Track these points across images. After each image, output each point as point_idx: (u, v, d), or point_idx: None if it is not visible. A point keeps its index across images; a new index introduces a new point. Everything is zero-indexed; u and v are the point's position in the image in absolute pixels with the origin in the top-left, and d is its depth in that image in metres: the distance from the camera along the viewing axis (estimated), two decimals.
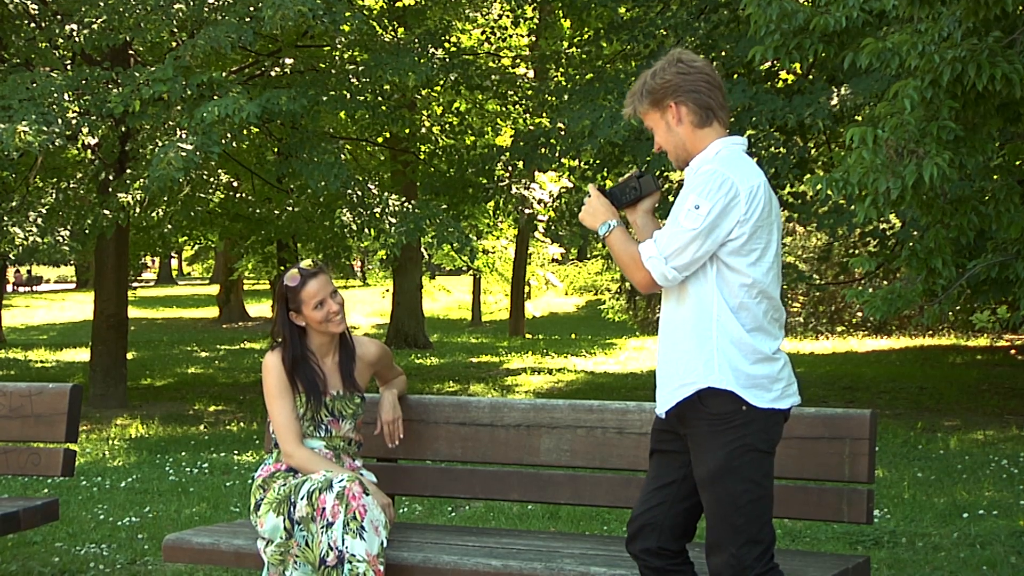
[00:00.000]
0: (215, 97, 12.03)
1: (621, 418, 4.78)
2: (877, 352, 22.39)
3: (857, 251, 21.82)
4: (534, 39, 23.04)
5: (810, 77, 13.88)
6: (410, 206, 14.66)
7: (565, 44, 20.49)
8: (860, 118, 12.57)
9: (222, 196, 18.33)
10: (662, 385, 4.02)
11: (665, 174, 15.13)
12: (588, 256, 36.30)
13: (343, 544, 4.50)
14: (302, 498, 4.61)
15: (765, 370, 3.89)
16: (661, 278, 3.90)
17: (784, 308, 4.09)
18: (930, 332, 25.17)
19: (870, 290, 9.93)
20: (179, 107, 12.42)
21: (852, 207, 9.46)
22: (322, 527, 4.54)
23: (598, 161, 15.35)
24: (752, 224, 3.85)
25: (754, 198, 3.86)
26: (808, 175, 13.25)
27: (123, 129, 13.40)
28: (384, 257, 24.63)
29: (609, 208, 4.11)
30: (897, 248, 14.59)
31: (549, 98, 16.96)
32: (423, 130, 19.66)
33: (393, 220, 14.32)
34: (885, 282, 18.43)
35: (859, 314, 26.50)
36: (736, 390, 3.85)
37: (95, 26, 12.82)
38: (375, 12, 17.19)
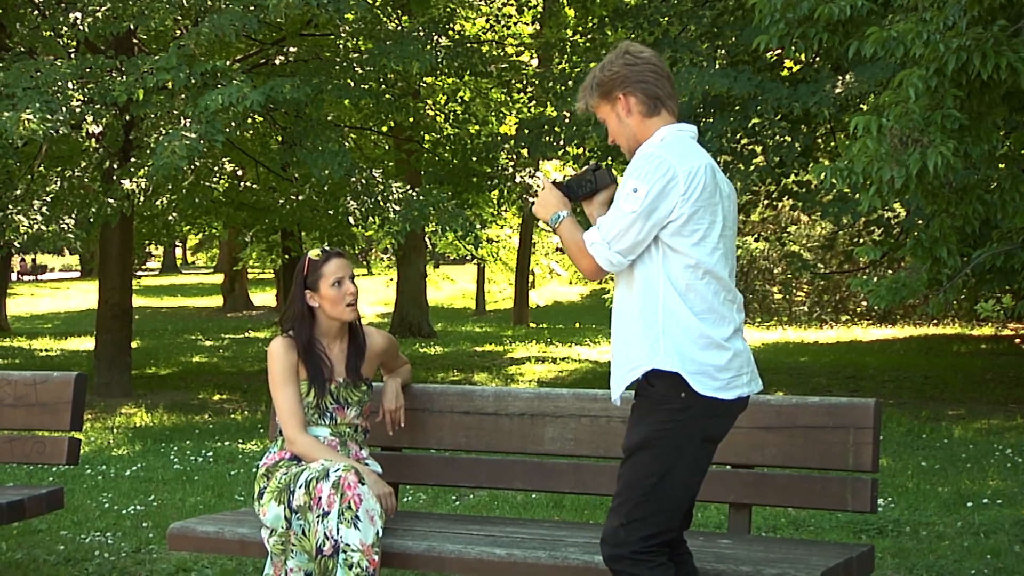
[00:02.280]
0: (219, 86, 12.02)
1: (625, 407, 4.77)
2: (881, 341, 22.38)
3: (862, 240, 21.82)
4: (538, 27, 23.01)
5: (815, 66, 13.86)
6: (414, 194, 14.65)
7: (569, 32, 20.47)
8: (865, 107, 12.56)
9: (226, 185, 18.33)
10: (614, 372, 4.04)
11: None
12: None
13: (338, 534, 4.51)
14: (300, 487, 4.61)
15: (713, 357, 3.89)
16: (606, 263, 3.93)
17: (741, 293, 4.09)
18: (934, 321, 25.15)
19: (875, 279, 9.93)
20: (183, 95, 12.41)
21: (857, 196, 9.45)
22: (318, 516, 4.54)
23: (602, 149, 15.33)
24: (692, 204, 3.85)
25: (693, 178, 3.86)
26: (813, 164, 13.23)
27: (127, 117, 13.40)
28: (389, 246, 24.66)
29: (561, 200, 4.14)
30: (902, 237, 14.59)
31: (553, 86, 16.94)
32: (427, 119, 19.65)
33: (397, 208, 14.31)
34: (890, 271, 18.42)
35: (863, 303, 26.49)
36: (681, 373, 3.85)
37: (99, 14, 12.80)
38: (379, 1, 17.16)
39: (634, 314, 3.94)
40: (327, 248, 4.99)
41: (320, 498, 4.55)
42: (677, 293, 3.88)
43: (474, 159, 17.83)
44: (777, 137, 13.89)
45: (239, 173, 18.92)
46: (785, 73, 14.62)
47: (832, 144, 14.85)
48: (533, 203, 4.25)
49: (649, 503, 3.86)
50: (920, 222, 11.08)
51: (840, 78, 12.71)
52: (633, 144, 4.05)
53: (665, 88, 4.03)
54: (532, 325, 31.32)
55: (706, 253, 3.89)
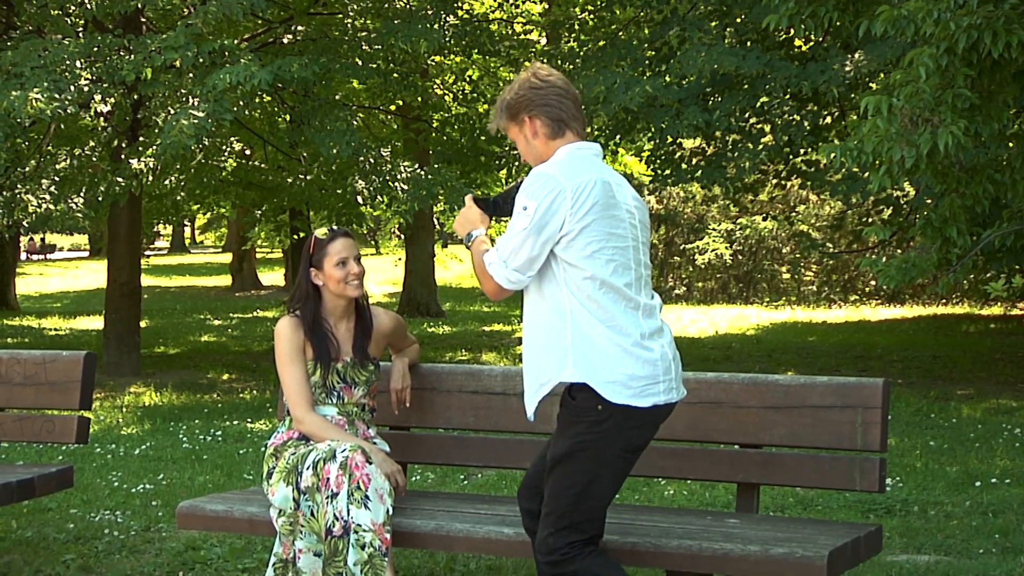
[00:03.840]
0: (227, 64, 12.00)
1: None
2: (890, 321, 22.35)
3: (871, 219, 21.81)
4: (547, 5, 22.93)
5: (824, 44, 13.81)
6: (422, 173, 14.63)
7: (578, 10, 20.39)
8: (875, 86, 12.51)
9: (235, 164, 18.32)
10: (526, 388, 4.15)
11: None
12: None
13: (348, 514, 4.52)
14: (307, 468, 4.62)
15: (623, 366, 3.97)
16: (504, 281, 4.04)
17: (658, 296, 4.20)
18: (944, 301, 25.11)
19: (884, 259, 9.90)
20: (191, 74, 12.39)
21: (866, 175, 9.42)
22: (327, 497, 4.55)
23: (611, 127, 15.30)
24: (581, 218, 3.95)
25: (581, 193, 3.95)
26: (822, 143, 13.20)
27: (135, 97, 13.38)
28: (397, 225, 24.63)
29: (479, 218, 4.28)
30: (911, 217, 14.56)
31: (562, 64, 16.89)
32: (435, 98, 19.59)
33: (405, 187, 14.29)
34: (899, 251, 18.38)
35: (872, 283, 26.43)
36: (590, 383, 3.96)
37: None
38: None
39: (542, 329, 4.06)
40: (334, 228, 4.99)
41: (328, 479, 4.55)
42: (581, 305, 3.99)
43: (482, 138, 17.79)
44: (786, 116, 13.85)
45: (247, 152, 18.91)
46: (794, 52, 14.56)
47: (842, 123, 14.80)
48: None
49: (575, 512, 3.98)
50: (930, 202, 11.05)
51: (850, 57, 12.65)
52: (539, 163, 4.15)
53: (570, 110, 4.14)
54: None
55: (599, 266, 3.99)
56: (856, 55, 12.55)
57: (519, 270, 4.01)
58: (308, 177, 17.17)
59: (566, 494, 3.98)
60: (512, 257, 4.01)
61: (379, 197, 14.95)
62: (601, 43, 15.76)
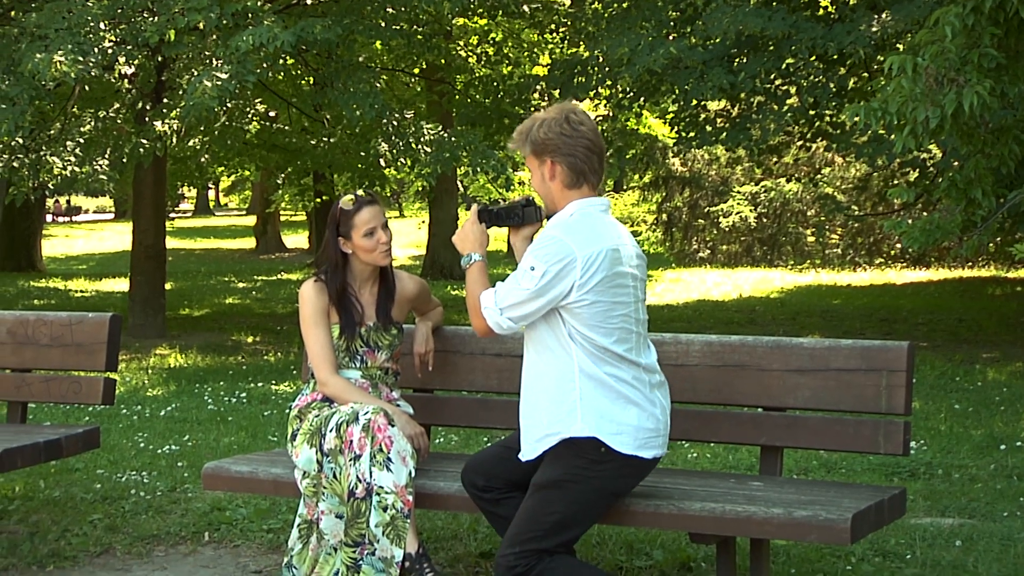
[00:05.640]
0: (250, 26, 11.97)
1: (656, 349, 4.76)
2: (915, 284, 22.26)
3: (896, 181, 21.66)
4: None
5: (851, 4, 13.69)
6: (445, 135, 14.60)
7: None
8: (902, 46, 12.41)
9: (258, 126, 18.31)
10: (526, 433, 4.25)
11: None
12: (624, 188, 36.12)
13: (371, 476, 4.53)
14: (331, 430, 4.63)
15: (631, 418, 4.10)
16: (495, 326, 4.18)
17: (651, 346, 4.31)
18: (969, 264, 24.97)
19: (909, 221, 9.84)
20: (214, 36, 12.37)
21: (891, 136, 9.35)
22: (350, 459, 4.57)
23: (635, 89, 15.22)
24: (588, 291, 4.05)
25: (591, 265, 4.04)
26: (847, 104, 13.10)
27: (159, 59, 13.38)
28: (420, 188, 24.62)
29: (479, 239, 4.39)
30: (937, 178, 14.46)
31: (586, 26, 16.80)
32: (459, 60, 19.52)
33: (428, 149, 14.27)
34: (924, 213, 18.28)
35: (898, 246, 26.31)
36: (600, 436, 4.06)
37: None
38: None
39: (549, 380, 4.16)
40: (359, 195, 4.95)
41: (351, 441, 4.57)
42: (589, 360, 4.09)
43: (506, 100, 17.73)
44: (811, 78, 13.75)
45: (271, 115, 18.89)
46: (820, 13, 14.44)
47: (868, 85, 14.69)
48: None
49: (545, 539, 4.07)
50: (955, 163, 10.96)
51: (876, 17, 12.54)
52: (550, 204, 4.26)
53: (592, 164, 4.19)
54: None
55: (601, 335, 4.09)
56: (883, 15, 12.44)
57: (513, 320, 4.15)
58: (331, 140, 17.15)
59: (544, 520, 4.06)
60: (510, 309, 4.13)
61: (402, 160, 14.93)
62: (625, 4, 15.66)
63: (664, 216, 31.53)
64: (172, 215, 48.23)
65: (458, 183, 25.35)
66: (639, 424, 4.11)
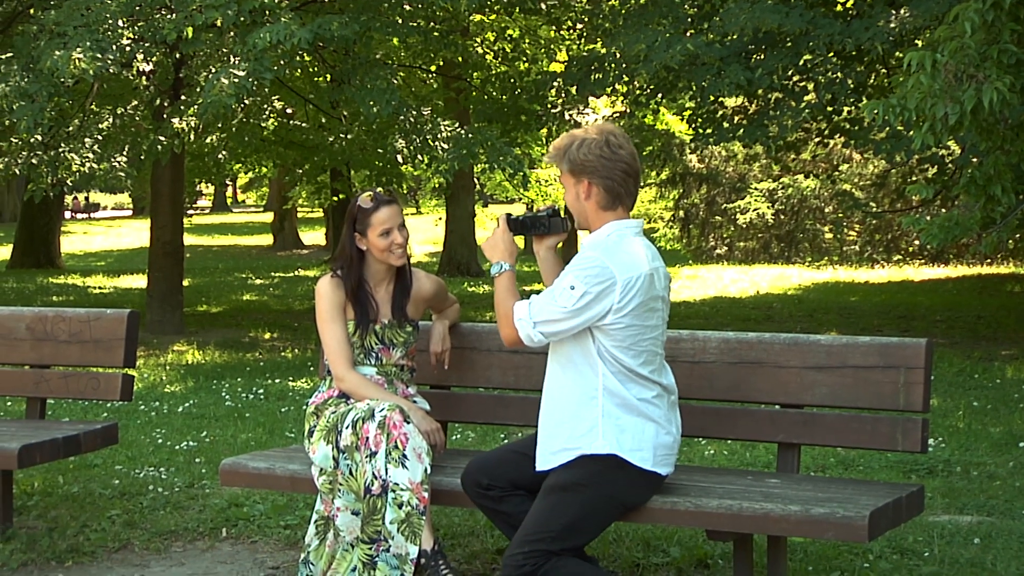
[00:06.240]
0: (267, 23, 11.99)
1: (673, 347, 4.76)
2: (934, 281, 22.18)
3: (915, 178, 21.58)
4: None
5: (869, 0, 13.63)
6: (463, 131, 14.61)
7: None
8: (920, 42, 12.35)
9: (275, 123, 18.35)
10: (543, 445, 4.29)
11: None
12: (641, 184, 36.22)
13: (386, 473, 4.54)
14: (347, 427, 4.64)
15: (649, 436, 4.17)
16: (527, 339, 4.24)
17: (666, 366, 4.34)
18: (988, 260, 24.88)
19: (927, 217, 9.81)
20: (232, 33, 12.39)
21: (910, 133, 9.32)
22: (366, 456, 4.57)
23: (652, 86, 15.19)
24: (624, 314, 4.12)
25: (629, 290, 4.11)
26: (865, 100, 13.06)
27: (177, 56, 13.41)
28: (437, 185, 24.64)
29: (509, 248, 4.43)
30: (956, 175, 14.40)
31: (603, 22, 16.78)
32: (476, 57, 19.52)
33: (446, 146, 14.27)
34: (943, 209, 18.22)
35: (916, 243, 26.22)
36: (620, 453, 4.13)
37: None
38: None
39: (570, 393, 4.22)
40: (379, 193, 4.96)
41: (367, 438, 4.58)
42: (613, 378, 4.15)
43: (523, 97, 17.74)
44: (829, 74, 13.70)
45: (288, 111, 18.93)
46: (838, 8, 14.39)
47: (886, 80, 14.63)
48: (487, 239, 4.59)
49: (555, 541, 4.10)
50: (974, 159, 10.92)
51: (894, 13, 12.49)
52: (582, 221, 4.32)
53: (629, 187, 4.26)
54: None
55: (630, 357, 4.16)
56: (901, 11, 12.39)
57: (546, 335, 4.19)
58: (349, 136, 17.17)
59: (555, 522, 4.09)
60: (544, 324, 4.18)
61: (419, 156, 14.94)
62: (642, 1, 15.63)
63: (681, 213, 31.49)
64: (190, 212, 48.39)
65: (475, 180, 25.35)
66: (657, 441, 4.18)
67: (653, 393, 4.20)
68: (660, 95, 15.58)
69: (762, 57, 13.64)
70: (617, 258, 4.13)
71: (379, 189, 5.01)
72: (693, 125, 15.85)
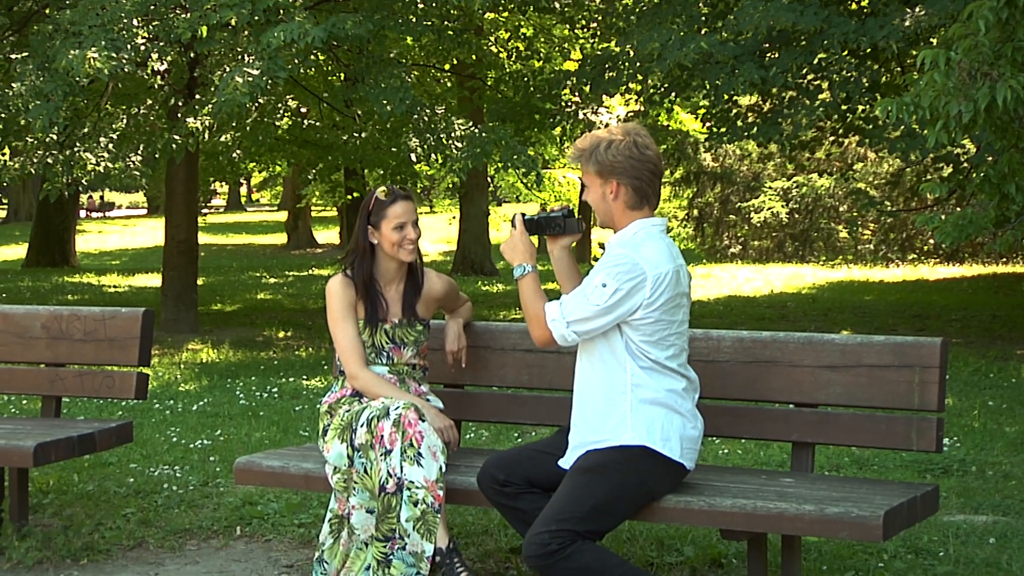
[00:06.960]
0: (281, 22, 12.01)
1: (688, 345, 4.75)
2: (949, 280, 22.12)
3: (929, 176, 21.52)
4: None
5: None
6: (476, 130, 14.61)
7: None
8: (935, 40, 12.32)
9: (289, 122, 18.37)
10: (575, 439, 4.35)
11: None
12: None
13: (401, 471, 4.55)
14: (361, 425, 4.65)
15: (677, 429, 4.23)
16: (560, 339, 4.29)
17: (693, 372, 4.41)
18: (1003, 259, 24.80)
19: (942, 216, 9.77)
20: (246, 32, 12.41)
21: (924, 131, 9.29)
22: (381, 454, 4.58)
23: (666, 84, 15.17)
24: (654, 309, 4.19)
25: (660, 285, 4.19)
26: (879, 99, 13.02)
27: (192, 55, 13.44)
28: (451, 184, 24.66)
29: (528, 249, 4.50)
30: (970, 173, 14.36)
31: (616, 21, 16.77)
32: (490, 55, 19.52)
33: (459, 145, 14.28)
34: (958, 208, 18.16)
35: (931, 241, 26.15)
36: (650, 444, 4.18)
37: None
38: None
39: (598, 389, 4.28)
40: (396, 188, 4.98)
41: (382, 436, 4.58)
42: (643, 373, 4.22)
43: (537, 96, 17.73)
44: (844, 72, 13.67)
45: (302, 110, 18.96)
46: (853, 7, 14.36)
47: (901, 79, 14.59)
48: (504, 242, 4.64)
49: (581, 523, 4.11)
50: (989, 158, 10.88)
51: (909, 11, 12.45)
52: (607, 220, 4.39)
53: (655, 187, 4.34)
54: (594, 263, 31.24)
55: (660, 350, 4.24)
56: (916, 9, 12.35)
57: (579, 333, 4.26)
58: (362, 135, 17.19)
59: (583, 502, 4.11)
60: (577, 324, 4.25)
61: (433, 155, 14.95)
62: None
63: (695, 211, 31.46)
64: (204, 211, 48.49)
65: (489, 179, 25.35)
66: (684, 433, 4.24)
67: (682, 385, 4.28)
68: (674, 94, 15.55)
69: (776, 56, 13.62)
70: (646, 255, 4.20)
71: (396, 185, 5.01)
72: (707, 123, 15.83)
